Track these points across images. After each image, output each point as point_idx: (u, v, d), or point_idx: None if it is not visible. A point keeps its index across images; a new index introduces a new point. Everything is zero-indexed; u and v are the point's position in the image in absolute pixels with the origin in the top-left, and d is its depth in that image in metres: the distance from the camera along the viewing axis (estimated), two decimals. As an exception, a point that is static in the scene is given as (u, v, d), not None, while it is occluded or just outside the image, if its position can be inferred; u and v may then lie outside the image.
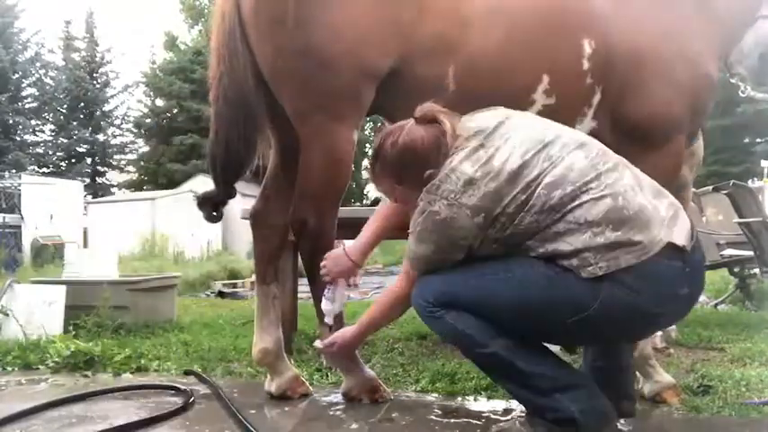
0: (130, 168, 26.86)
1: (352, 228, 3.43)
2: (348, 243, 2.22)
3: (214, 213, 2.40)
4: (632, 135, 2.29)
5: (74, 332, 3.55)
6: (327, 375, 2.65)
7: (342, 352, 2.15)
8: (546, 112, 2.21)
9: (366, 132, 23.66)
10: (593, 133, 2.27)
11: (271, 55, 2.17)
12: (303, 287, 2.98)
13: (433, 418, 2.09)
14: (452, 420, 2.06)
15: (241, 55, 2.20)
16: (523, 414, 1.98)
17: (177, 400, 2.28)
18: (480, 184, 1.63)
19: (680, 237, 1.62)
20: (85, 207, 16.04)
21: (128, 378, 2.77)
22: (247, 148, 2.29)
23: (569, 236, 1.60)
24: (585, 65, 2.21)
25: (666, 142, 2.30)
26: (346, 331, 2.13)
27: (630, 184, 1.65)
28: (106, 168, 26.80)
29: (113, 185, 26.88)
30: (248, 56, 2.21)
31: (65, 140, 25.05)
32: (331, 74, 2.11)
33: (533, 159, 1.64)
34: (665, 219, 1.63)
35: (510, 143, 1.68)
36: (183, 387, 2.40)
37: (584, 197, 1.61)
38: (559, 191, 1.61)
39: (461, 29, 2.13)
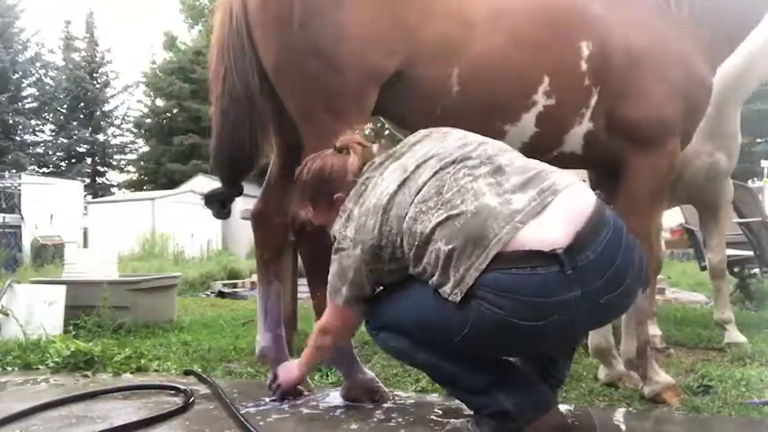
0: (130, 168, 26.88)
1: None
2: None
3: (224, 210, 2.40)
4: (627, 136, 2.30)
5: (74, 332, 3.55)
6: (327, 375, 2.65)
7: (288, 390, 2.26)
8: (546, 113, 2.23)
9: (366, 132, 23.65)
10: (590, 134, 2.31)
11: (276, 54, 2.17)
12: (303, 287, 2.98)
13: (433, 418, 2.09)
14: (452, 420, 2.06)
15: (246, 53, 2.20)
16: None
17: (177, 400, 2.28)
18: (357, 220, 1.79)
19: (551, 235, 1.56)
20: (85, 207, 16.04)
21: (128, 378, 2.77)
22: (253, 145, 2.29)
23: (424, 258, 1.67)
24: (584, 66, 2.23)
25: (661, 143, 2.31)
26: (289, 369, 2.23)
27: (476, 188, 1.65)
28: (106, 168, 26.83)
29: (113, 185, 26.91)
30: (253, 54, 2.21)
31: (65, 140, 25.06)
32: (336, 74, 2.11)
33: (398, 191, 1.74)
34: (520, 213, 1.58)
35: (383, 176, 1.81)
36: (183, 387, 2.40)
37: (424, 218, 1.66)
38: (406, 214, 1.69)
39: (466, 31, 2.14)
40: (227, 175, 2.34)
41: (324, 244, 2.32)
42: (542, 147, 2.33)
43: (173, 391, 2.42)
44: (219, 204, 2.39)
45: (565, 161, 2.42)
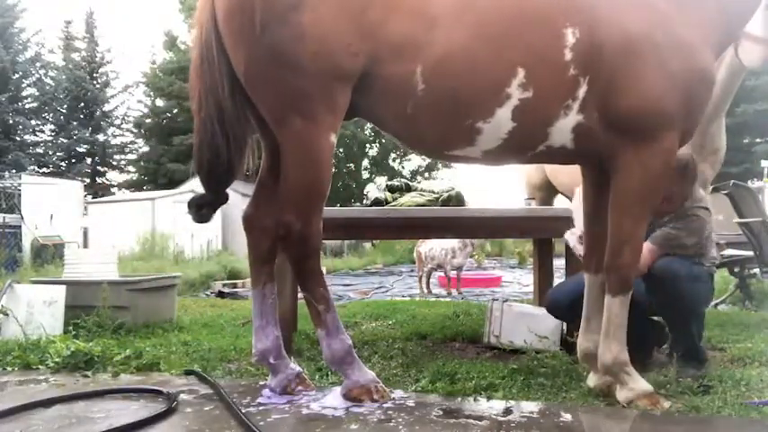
0: (130, 168, 26.87)
1: (352, 228, 3.44)
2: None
3: (200, 212, 2.37)
4: (622, 129, 2.20)
5: (74, 332, 3.55)
6: (327, 375, 2.65)
7: None
8: (523, 107, 2.14)
9: (366, 132, 23.63)
10: (580, 127, 2.20)
11: (244, 61, 2.16)
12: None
13: (433, 418, 2.09)
14: (452, 420, 2.06)
15: (216, 65, 2.20)
16: (523, 415, 1.98)
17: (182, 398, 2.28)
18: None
19: None
20: (85, 207, 16.00)
21: (126, 379, 2.76)
22: (231, 155, 2.27)
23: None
24: (568, 55, 2.12)
25: (657, 138, 2.19)
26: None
27: None
28: (106, 168, 26.79)
29: (113, 185, 26.87)
30: (225, 64, 2.20)
31: (65, 140, 25.02)
32: (300, 76, 2.10)
33: None
34: None
35: None
36: (165, 390, 2.37)
37: None
38: None
39: (428, 27, 2.09)
40: (207, 185, 2.33)
41: (309, 248, 2.28)
42: (525, 142, 2.25)
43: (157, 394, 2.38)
44: (197, 208, 2.36)
45: (555, 156, 2.34)
